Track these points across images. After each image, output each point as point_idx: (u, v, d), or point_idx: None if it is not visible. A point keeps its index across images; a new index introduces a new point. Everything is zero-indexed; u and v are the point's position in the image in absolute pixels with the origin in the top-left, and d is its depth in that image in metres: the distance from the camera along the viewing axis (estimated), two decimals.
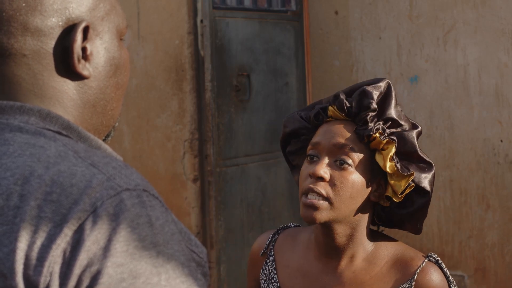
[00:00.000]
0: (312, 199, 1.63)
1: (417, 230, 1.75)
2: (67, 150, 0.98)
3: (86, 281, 0.89)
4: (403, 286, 1.66)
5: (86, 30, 1.06)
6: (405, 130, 1.69)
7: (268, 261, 1.79)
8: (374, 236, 1.73)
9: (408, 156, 1.67)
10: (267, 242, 1.81)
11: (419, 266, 1.66)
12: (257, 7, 5.42)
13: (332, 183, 1.63)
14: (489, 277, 4.92)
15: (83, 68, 1.06)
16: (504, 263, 4.87)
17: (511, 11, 4.79)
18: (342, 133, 1.66)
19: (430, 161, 1.69)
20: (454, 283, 1.69)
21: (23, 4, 1.03)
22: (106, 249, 0.90)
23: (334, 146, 1.65)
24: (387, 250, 1.71)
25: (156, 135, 5.49)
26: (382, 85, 1.69)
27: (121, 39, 1.14)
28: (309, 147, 1.69)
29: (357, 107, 1.67)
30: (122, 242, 0.91)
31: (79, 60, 1.06)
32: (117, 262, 0.90)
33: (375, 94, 1.67)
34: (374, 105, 1.66)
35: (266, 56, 5.35)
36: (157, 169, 5.47)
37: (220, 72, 5.12)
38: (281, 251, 1.79)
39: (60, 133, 1.02)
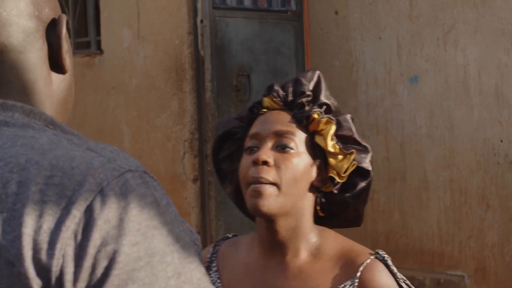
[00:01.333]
0: (259, 186, 1.61)
1: (359, 218, 1.74)
2: (60, 138, 0.97)
3: (103, 261, 0.89)
4: (346, 283, 1.62)
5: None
6: (340, 114, 1.72)
7: (211, 272, 1.75)
8: (319, 229, 1.70)
9: (345, 139, 1.69)
10: (209, 255, 1.77)
11: (363, 263, 1.63)
12: (257, 7, 5.42)
13: (276, 166, 1.62)
14: (489, 277, 4.92)
15: (65, 61, 1.08)
16: (504, 263, 4.87)
17: (511, 11, 4.79)
18: (281, 119, 1.67)
19: (366, 144, 1.72)
20: (404, 279, 1.65)
21: (14, 8, 1.05)
22: (120, 228, 0.90)
23: (274, 133, 1.65)
24: (333, 244, 1.68)
25: (156, 135, 5.49)
26: (313, 74, 1.73)
27: None
28: (247, 140, 1.69)
29: (292, 94, 1.70)
30: (134, 221, 0.90)
31: (66, 53, 1.08)
32: (132, 240, 0.90)
33: (308, 81, 1.71)
34: (309, 91, 1.69)
35: (266, 56, 5.35)
36: (157, 169, 5.47)
37: (220, 72, 5.12)
38: (224, 258, 1.76)
39: (46, 127, 1.02)
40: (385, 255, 1.66)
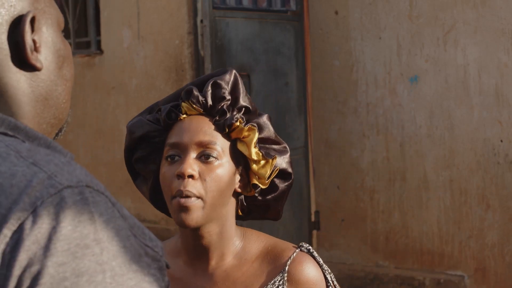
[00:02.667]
0: (185, 200, 1.59)
1: (279, 215, 1.74)
2: (9, 151, 0.96)
3: (26, 282, 0.88)
4: (275, 279, 1.64)
5: (32, 22, 1.06)
6: (258, 116, 1.69)
7: None
8: (242, 231, 1.71)
9: (265, 141, 1.67)
10: None
11: (290, 257, 1.64)
12: (257, 7, 5.42)
13: (202, 178, 1.60)
14: (489, 277, 4.92)
15: (35, 59, 1.06)
16: (504, 263, 4.87)
17: (511, 11, 4.79)
18: (202, 128, 1.63)
19: (285, 144, 1.69)
20: (329, 271, 1.67)
21: None
22: (46, 249, 0.88)
23: (196, 144, 1.62)
24: (257, 244, 1.69)
25: None
26: (230, 75, 1.68)
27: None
28: (167, 148, 1.64)
29: (211, 99, 1.65)
30: (62, 241, 0.89)
31: (31, 52, 1.05)
32: (58, 261, 0.88)
33: (226, 84, 1.66)
34: (228, 95, 1.65)
35: (266, 56, 5.35)
36: None
37: None
38: None
39: (6, 134, 1.01)
40: (309, 247, 1.67)
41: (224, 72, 1.68)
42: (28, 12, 1.05)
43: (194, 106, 1.65)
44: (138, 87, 5.65)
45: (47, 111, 1.09)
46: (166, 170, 1.62)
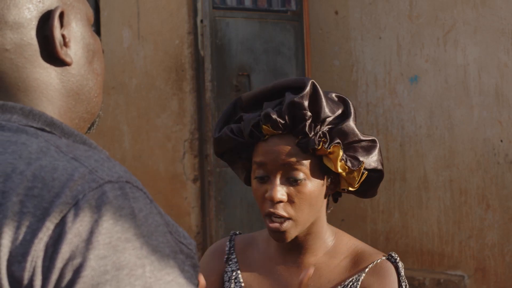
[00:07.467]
0: (276, 222, 1.63)
1: (374, 195, 1.76)
2: (49, 146, 0.97)
3: (68, 274, 0.89)
4: (352, 278, 1.67)
5: (61, 17, 1.07)
6: (342, 121, 1.64)
7: (231, 263, 1.79)
8: (334, 231, 1.75)
9: (352, 143, 1.65)
10: (227, 248, 1.80)
11: (374, 262, 1.66)
12: (257, 7, 5.42)
13: (291, 201, 1.63)
14: (489, 277, 4.92)
15: (65, 54, 1.07)
16: (504, 263, 4.87)
17: (511, 11, 4.79)
18: (286, 150, 1.63)
19: (373, 137, 1.67)
20: (407, 285, 1.68)
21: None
22: (88, 242, 0.90)
23: (282, 166, 1.62)
24: (348, 245, 1.72)
25: (156, 135, 5.49)
26: (307, 88, 1.62)
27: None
28: (254, 166, 1.66)
29: (291, 121, 1.63)
30: (104, 235, 0.90)
31: (61, 47, 1.06)
32: (100, 254, 0.89)
33: (305, 102, 1.62)
34: (309, 114, 1.62)
35: (266, 56, 5.35)
36: (157, 169, 5.46)
37: (220, 72, 5.12)
38: (243, 253, 1.79)
39: (43, 130, 1.02)
40: (397, 258, 1.68)
41: (301, 83, 1.63)
42: (56, 7, 1.06)
43: (274, 130, 1.64)
44: (138, 87, 5.64)
45: (79, 106, 1.10)
46: (256, 188, 1.66)
